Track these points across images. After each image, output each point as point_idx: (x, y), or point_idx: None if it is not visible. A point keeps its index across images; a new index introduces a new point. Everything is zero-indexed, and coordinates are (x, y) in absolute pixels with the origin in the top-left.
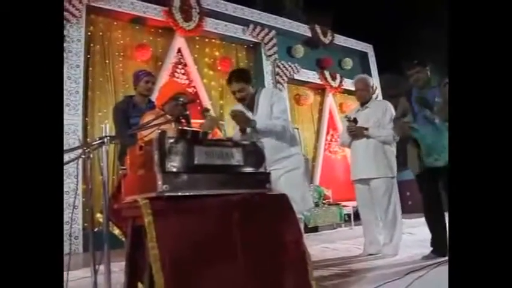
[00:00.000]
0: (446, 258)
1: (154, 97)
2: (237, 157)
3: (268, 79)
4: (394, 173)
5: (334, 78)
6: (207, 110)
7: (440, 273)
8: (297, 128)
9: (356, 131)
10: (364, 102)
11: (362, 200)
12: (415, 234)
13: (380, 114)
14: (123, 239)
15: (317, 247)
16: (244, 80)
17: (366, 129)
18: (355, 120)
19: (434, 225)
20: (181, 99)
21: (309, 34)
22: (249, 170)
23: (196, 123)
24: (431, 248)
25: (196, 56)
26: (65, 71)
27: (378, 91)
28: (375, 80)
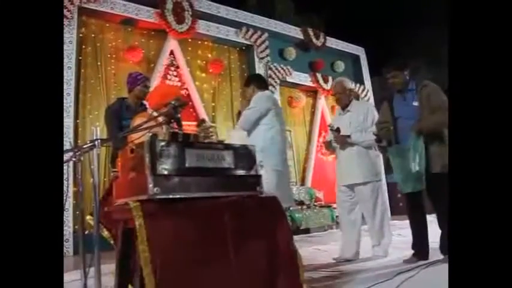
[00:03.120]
0: (437, 258)
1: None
2: (228, 160)
3: None
4: (379, 177)
5: (326, 81)
6: (203, 121)
7: (430, 274)
8: (290, 131)
9: (339, 141)
10: (344, 106)
11: (341, 204)
12: (405, 236)
13: (362, 117)
14: (112, 242)
15: (309, 249)
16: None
17: (348, 136)
18: (338, 130)
19: (416, 228)
20: (173, 103)
21: (301, 37)
22: (239, 172)
23: (187, 125)
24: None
25: (188, 58)
26: None
27: (370, 94)
28: (366, 83)
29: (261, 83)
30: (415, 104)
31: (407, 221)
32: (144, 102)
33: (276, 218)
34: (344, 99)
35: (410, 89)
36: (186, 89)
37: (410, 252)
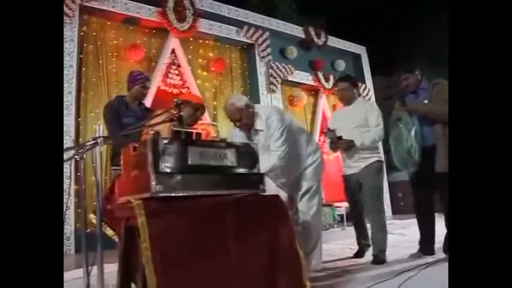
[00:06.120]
0: (439, 257)
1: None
2: (230, 158)
3: (261, 80)
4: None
5: (327, 80)
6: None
7: (432, 273)
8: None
9: None
10: (251, 127)
11: None
12: (407, 235)
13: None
14: (116, 240)
15: None
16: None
17: None
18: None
19: (423, 224)
20: (175, 101)
21: (303, 35)
22: (242, 170)
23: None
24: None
25: (190, 57)
26: None
27: (371, 93)
28: (368, 82)
29: None
30: (426, 102)
31: (409, 221)
32: (143, 102)
33: (278, 217)
34: (248, 121)
35: (423, 88)
36: (188, 87)
37: (411, 251)
